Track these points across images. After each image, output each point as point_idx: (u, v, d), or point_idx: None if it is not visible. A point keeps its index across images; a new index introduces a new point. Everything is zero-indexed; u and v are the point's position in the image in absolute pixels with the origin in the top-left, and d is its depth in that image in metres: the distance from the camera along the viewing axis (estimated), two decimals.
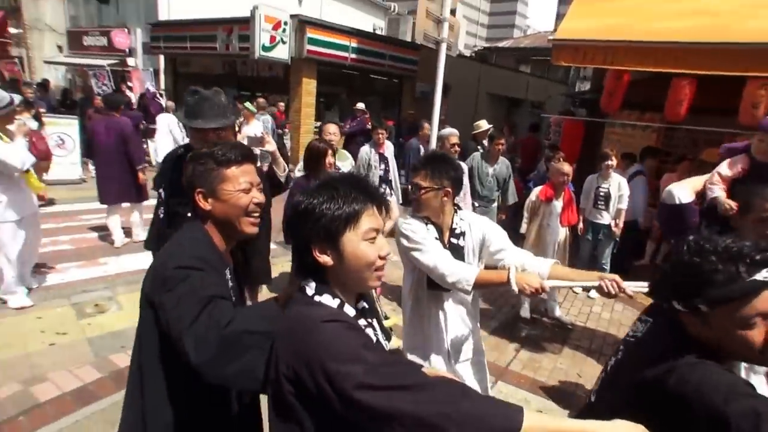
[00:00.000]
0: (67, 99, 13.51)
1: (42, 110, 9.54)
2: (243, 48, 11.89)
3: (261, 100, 10.20)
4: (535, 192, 4.61)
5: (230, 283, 1.39)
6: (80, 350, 3.43)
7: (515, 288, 1.75)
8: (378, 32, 21.15)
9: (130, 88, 14.87)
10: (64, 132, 8.85)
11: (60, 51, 19.55)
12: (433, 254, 1.95)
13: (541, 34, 25.51)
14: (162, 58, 15.40)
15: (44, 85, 13.85)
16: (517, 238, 4.98)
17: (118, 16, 17.26)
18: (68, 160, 8.95)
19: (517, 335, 4.24)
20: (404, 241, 2.02)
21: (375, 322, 1.20)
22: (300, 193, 1.12)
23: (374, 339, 1.13)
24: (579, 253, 5.18)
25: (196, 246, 1.32)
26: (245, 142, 5.89)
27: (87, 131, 7.98)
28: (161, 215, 2.36)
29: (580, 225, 5.07)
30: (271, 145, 2.69)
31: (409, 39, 20.71)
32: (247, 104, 8.22)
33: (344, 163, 4.47)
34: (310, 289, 1.09)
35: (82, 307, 4.08)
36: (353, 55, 12.94)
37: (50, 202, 7.06)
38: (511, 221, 5.36)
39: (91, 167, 8.91)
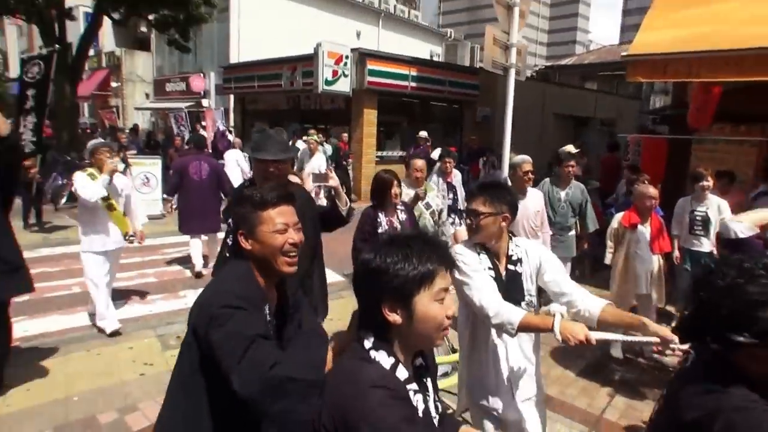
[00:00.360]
0: (150, 140, 14.70)
1: (133, 152, 10.44)
2: (306, 83, 12.41)
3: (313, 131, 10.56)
4: (618, 218, 4.22)
5: (269, 319, 1.46)
6: (165, 381, 3.51)
7: (559, 338, 1.68)
8: (435, 59, 21.38)
9: (204, 127, 15.95)
10: (149, 171, 9.56)
11: (147, 98, 21.52)
12: (480, 291, 1.90)
13: (607, 48, 24.50)
14: (232, 97, 16.44)
15: (135, 129, 15.24)
16: (603, 268, 4.59)
17: (196, 63, 18.74)
18: (151, 197, 9.63)
19: (609, 378, 3.81)
20: (456, 273, 1.90)
21: (429, 382, 1.21)
22: (369, 250, 1.12)
23: (422, 407, 1.12)
24: (676, 283, 4.66)
25: (239, 284, 1.39)
26: (310, 178, 6.05)
27: (169, 169, 8.56)
28: (229, 243, 2.47)
29: (676, 253, 4.57)
30: (334, 181, 2.75)
31: (467, 64, 20.74)
32: (313, 135, 8.46)
33: (431, 194, 4.32)
34: (368, 342, 1.10)
35: (167, 339, 4.25)
36: (413, 84, 13.05)
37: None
38: (594, 250, 4.95)
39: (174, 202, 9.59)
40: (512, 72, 4.84)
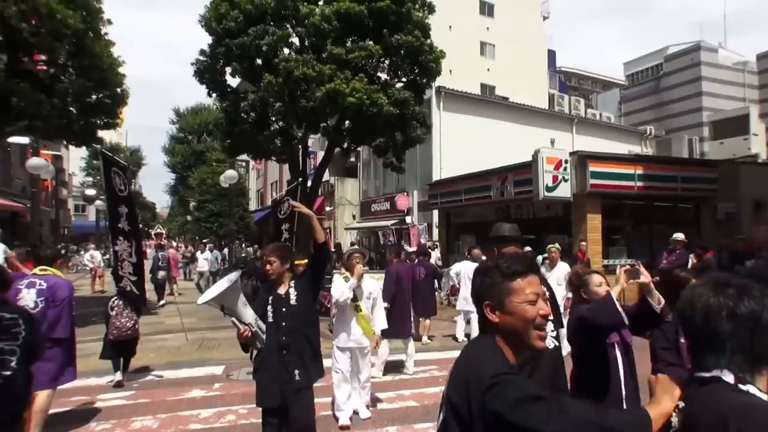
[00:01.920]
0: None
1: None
2: (519, 192, 11.75)
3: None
4: None
5: None
6: None
7: None
8: None
9: (409, 242, 16.39)
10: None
11: (353, 218, 23.78)
12: None
13: None
14: (436, 212, 16.74)
15: (338, 246, 16.49)
16: None
17: (398, 184, 20.16)
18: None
19: None
20: None
21: None
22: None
23: None
24: None
25: (495, 358, 1.32)
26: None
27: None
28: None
29: None
30: (645, 277, 2.41)
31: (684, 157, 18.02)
32: (554, 245, 7.42)
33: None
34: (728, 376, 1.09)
35: None
36: (639, 183, 11.31)
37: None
38: None
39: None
40: None
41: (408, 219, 18.30)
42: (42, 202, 20.00)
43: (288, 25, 10.28)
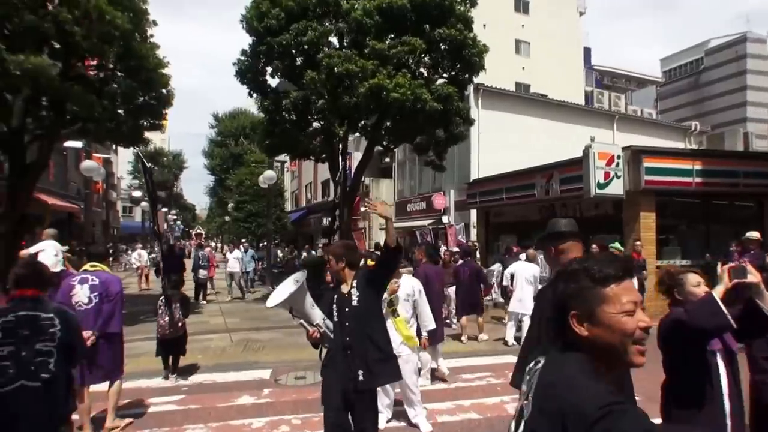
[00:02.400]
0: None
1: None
2: (566, 190, 11.04)
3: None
4: None
5: None
6: None
7: None
8: None
9: (446, 242, 15.86)
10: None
11: None
12: None
13: None
14: (474, 212, 16.11)
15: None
16: None
17: (435, 183, 19.61)
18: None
19: None
20: None
21: None
22: None
23: None
24: None
25: (595, 382, 1.06)
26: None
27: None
28: None
29: None
30: (753, 277, 2.08)
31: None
32: (616, 244, 6.77)
33: None
34: None
35: None
36: (698, 179, 10.41)
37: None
38: None
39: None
40: None
41: (445, 219, 17.74)
42: (94, 204, 20.55)
43: (328, 22, 9.94)
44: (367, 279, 2.96)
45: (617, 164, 9.65)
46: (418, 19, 10.17)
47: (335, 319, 2.86)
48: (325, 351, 2.93)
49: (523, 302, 7.72)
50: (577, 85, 29.23)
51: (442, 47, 10.30)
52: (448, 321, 9.57)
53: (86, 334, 3.61)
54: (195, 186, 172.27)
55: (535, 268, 8.07)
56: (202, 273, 13.36)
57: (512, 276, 8.03)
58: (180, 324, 5.91)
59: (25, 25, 7.38)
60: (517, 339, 7.69)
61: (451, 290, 9.48)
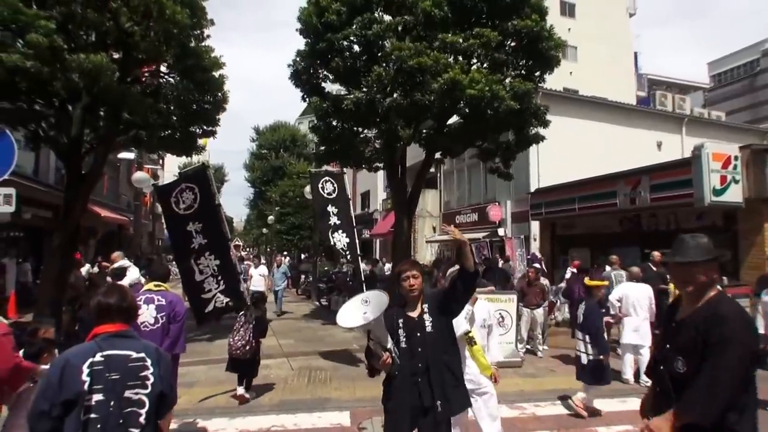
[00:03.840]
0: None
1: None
2: (658, 198, 9.50)
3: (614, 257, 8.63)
4: None
5: None
6: None
7: None
8: None
9: (503, 256, 14.54)
10: (504, 309, 7.80)
11: (434, 231, 22.07)
12: None
13: None
14: (536, 224, 14.66)
15: (437, 264, 14.74)
16: None
17: (487, 194, 18.24)
18: (505, 339, 7.70)
19: None
20: None
21: None
22: None
23: None
24: None
25: None
26: None
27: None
28: None
29: None
30: None
31: None
32: None
33: None
34: None
35: None
36: None
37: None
38: None
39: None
40: None
41: (501, 231, 16.31)
42: (142, 216, 20.29)
43: (393, 15, 8.91)
44: (440, 303, 2.74)
45: (735, 167, 8.09)
46: (489, 10, 9.02)
47: (403, 345, 2.65)
48: (385, 379, 2.69)
49: (640, 331, 6.30)
50: (628, 89, 27.29)
51: (518, 40, 9.07)
52: (527, 347, 8.21)
53: None
54: (233, 199, 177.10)
55: (648, 289, 6.63)
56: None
57: (620, 300, 6.61)
58: (248, 347, 5.34)
59: (87, 23, 6.88)
60: (637, 373, 6.28)
61: (539, 311, 8.11)
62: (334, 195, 8.19)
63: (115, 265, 6.91)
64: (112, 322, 1.99)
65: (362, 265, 9.03)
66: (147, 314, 3.88)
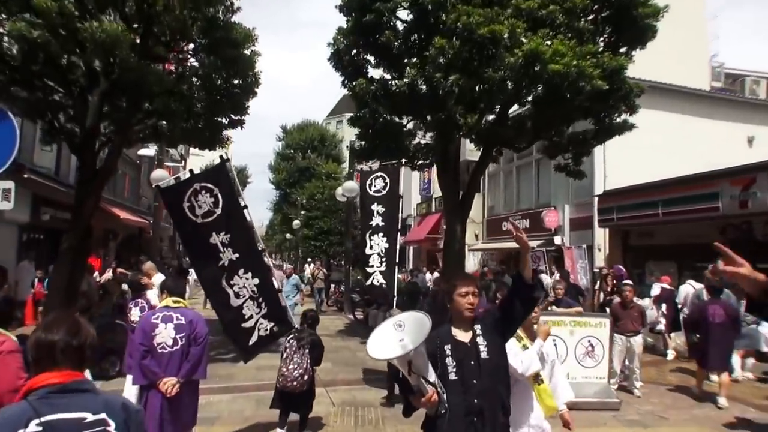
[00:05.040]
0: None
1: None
2: None
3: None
4: None
5: None
6: None
7: None
8: None
9: (559, 269, 13.25)
10: (593, 335, 6.51)
11: (476, 238, 20.75)
12: None
13: None
14: (602, 232, 13.21)
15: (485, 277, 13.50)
16: None
17: (539, 198, 16.89)
18: (596, 373, 6.41)
19: None
20: None
21: None
22: None
23: None
24: None
25: None
26: None
27: None
28: None
29: None
30: None
31: None
32: None
33: None
34: None
35: None
36: None
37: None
38: None
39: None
40: None
41: (557, 239, 14.92)
42: (162, 219, 19.84)
43: None
44: (495, 322, 2.44)
45: None
46: None
47: (452, 377, 2.30)
48: (425, 418, 2.37)
49: None
50: (701, 78, 25.21)
51: (608, 6, 7.85)
52: (621, 383, 6.90)
53: (171, 381, 3.54)
54: (254, 204, 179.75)
55: None
56: None
57: None
58: (306, 377, 4.60)
59: None
60: None
61: (636, 339, 6.77)
62: (383, 192, 7.26)
63: (146, 281, 5.81)
64: (56, 369, 1.50)
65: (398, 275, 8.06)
66: (165, 334, 3.64)
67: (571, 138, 9.33)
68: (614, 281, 9.97)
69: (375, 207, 7.48)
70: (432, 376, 2.20)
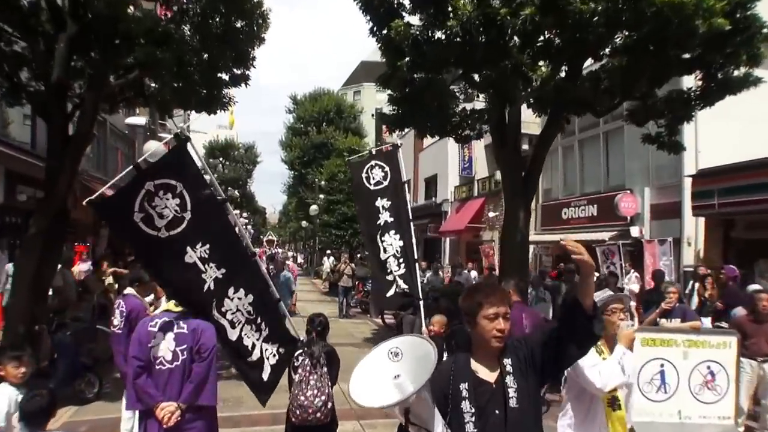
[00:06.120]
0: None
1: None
2: None
3: None
4: None
5: None
6: None
7: None
8: None
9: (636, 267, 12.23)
10: (714, 359, 5.48)
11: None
12: None
13: None
14: (696, 222, 12.00)
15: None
16: None
17: (609, 180, 15.66)
18: (718, 411, 5.40)
19: None
20: None
21: None
22: None
23: None
24: None
25: None
26: None
27: None
28: None
29: None
30: None
31: None
32: None
33: None
34: None
35: None
36: None
37: None
38: None
39: None
40: None
41: (635, 231, 13.75)
42: None
43: None
44: (532, 358, 2.15)
45: None
46: None
47: (471, 429, 2.03)
48: None
49: None
50: None
51: None
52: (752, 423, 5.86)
53: (169, 407, 3.22)
54: (265, 187, 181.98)
55: None
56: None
57: None
58: (330, 404, 4.01)
59: None
60: None
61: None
62: (385, 183, 6.32)
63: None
64: None
65: (421, 275, 7.17)
66: (163, 346, 3.34)
67: (668, 98, 8.16)
68: (714, 285, 9.02)
69: (380, 202, 6.56)
70: (439, 428, 1.99)
